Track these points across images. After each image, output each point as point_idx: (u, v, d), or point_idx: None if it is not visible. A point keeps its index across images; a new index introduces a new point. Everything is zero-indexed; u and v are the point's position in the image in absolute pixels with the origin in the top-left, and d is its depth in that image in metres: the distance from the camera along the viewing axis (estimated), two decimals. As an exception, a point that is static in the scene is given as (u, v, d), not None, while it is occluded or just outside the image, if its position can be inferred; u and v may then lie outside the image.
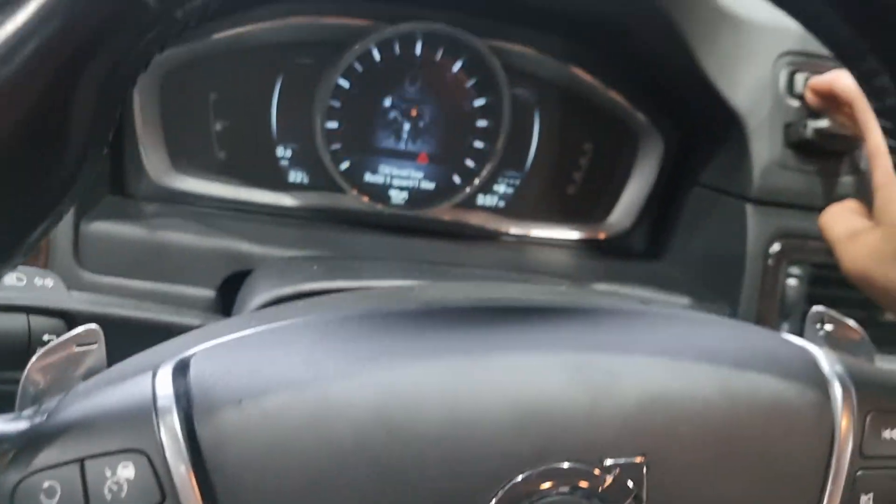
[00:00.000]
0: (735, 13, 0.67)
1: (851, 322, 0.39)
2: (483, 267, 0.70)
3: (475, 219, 0.77)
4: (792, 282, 0.66)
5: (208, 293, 0.62)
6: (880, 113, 0.29)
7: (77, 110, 0.23)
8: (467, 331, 0.29)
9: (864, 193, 0.60)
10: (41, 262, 0.57)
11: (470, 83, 0.74)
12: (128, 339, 0.33)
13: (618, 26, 0.69)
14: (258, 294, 0.44)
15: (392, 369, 0.27)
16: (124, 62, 0.24)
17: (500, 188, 0.79)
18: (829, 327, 0.39)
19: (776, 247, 0.66)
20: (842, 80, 0.58)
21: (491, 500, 0.26)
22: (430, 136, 0.76)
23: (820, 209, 0.60)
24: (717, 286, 0.69)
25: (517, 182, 0.79)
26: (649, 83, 0.74)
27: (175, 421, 0.25)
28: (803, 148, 0.66)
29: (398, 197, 0.76)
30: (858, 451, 0.30)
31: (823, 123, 0.63)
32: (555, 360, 0.28)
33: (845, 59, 0.29)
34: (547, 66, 0.75)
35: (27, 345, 0.39)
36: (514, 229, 0.78)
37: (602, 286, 0.70)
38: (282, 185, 0.75)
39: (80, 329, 0.30)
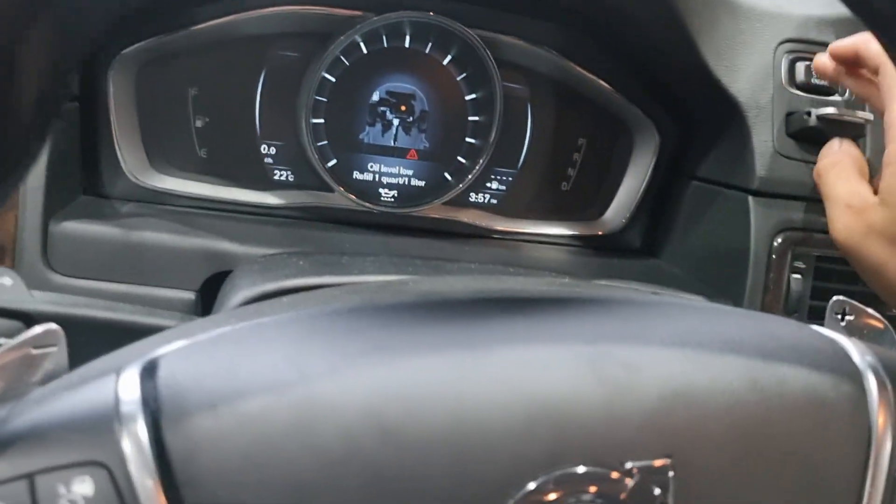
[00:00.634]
0: (734, 0, 0.65)
1: (873, 312, 0.37)
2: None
3: (467, 217, 0.75)
4: (796, 276, 0.64)
5: (188, 295, 0.59)
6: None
7: (25, 77, 0.20)
8: (469, 323, 0.26)
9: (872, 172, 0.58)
10: (6, 264, 0.54)
11: (461, 76, 0.72)
12: (100, 344, 0.30)
13: (614, 13, 0.67)
14: (239, 291, 0.41)
15: (386, 366, 0.24)
16: (74, 27, 0.21)
17: (493, 185, 0.76)
18: (850, 317, 0.37)
19: (780, 240, 0.64)
20: (870, 45, 0.56)
21: (500, 512, 0.23)
22: (420, 131, 0.73)
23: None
24: (719, 282, 0.67)
25: (510, 179, 0.76)
26: (645, 75, 0.72)
27: (140, 429, 0.22)
28: (806, 137, 0.64)
29: (387, 195, 0.73)
30: None
31: (828, 110, 0.61)
32: (567, 353, 0.25)
33: (875, 23, 0.27)
34: (539, 59, 0.72)
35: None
36: (508, 227, 0.76)
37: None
38: (266, 183, 0.72)
39: (37, 329, 0.27)
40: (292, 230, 0.68)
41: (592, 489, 0.23)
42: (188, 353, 0.25)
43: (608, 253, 0.76)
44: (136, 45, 0.64)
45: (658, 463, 0.24)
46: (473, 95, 0.72)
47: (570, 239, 0.77)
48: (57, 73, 0.22)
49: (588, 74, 0.72)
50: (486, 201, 0.76)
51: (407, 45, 0.70)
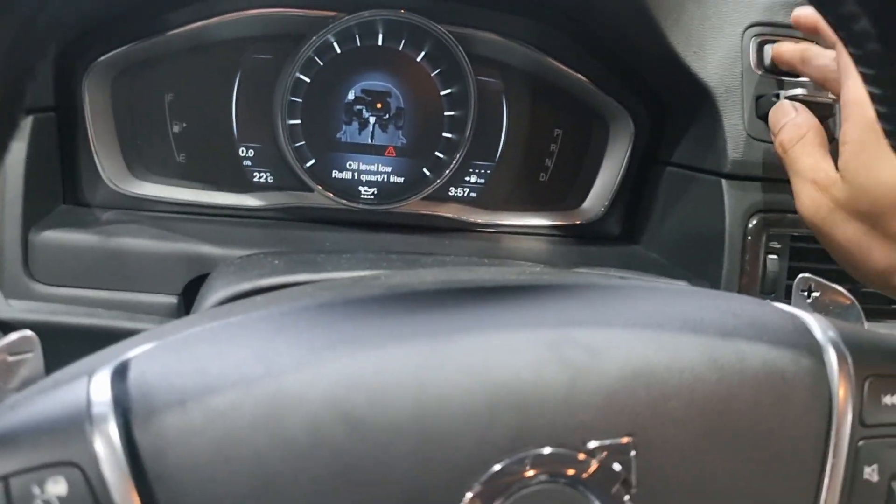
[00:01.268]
0: (700, -14, 0.66)
1: (839, 288, 0.37)
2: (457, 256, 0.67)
3: (447, 211, 0.75)
4: (772, 257, 0.65)
5: (171, 300, 0.59)
6: (859, 60, 0.28)
7: None
8: (431, 313, 0.26)
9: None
10: (-15, 275, 0.54)
11: (435, 72, 0.72)
12: (81, 350, 0.30)
13: (582, 5, 0.67)
14: (215, 292, 0.41)
15: (350, 357, 0.24)
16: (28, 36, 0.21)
17: (472, 178, 0.77)
18: (816, 294, 0.38)
19: (754, 221, 0.64)
20: None
21: (466, 495, 0.23)
22: (397, 128, 0.73)
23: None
24: (697, 266, 0.68)
25: (488, 172, 0.77)
26: (617, 65, 0.73)
27: (112, 429, 0.23)
28: (776, 119, 0.64)
29: (367, 193, 0.74)
30: (858, 419, 0.28)
31: (797, 91, 0.61)
32: (527, 337, 0.26)
33: (822, 3, 0.27)
34: (513, 53, 0.73)
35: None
36: (488, 219, 0.76)
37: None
38: (246, 186, 0.72)
39: (12, 336, 0.27)
40: (273, 231, 0.69)
41: (556, 469, 0.24)
42: (158, 354, 0.26)
43: (588, 241, 0.77)
44: (110, 53, 0.64)
45: (620, 441, 0.25)
46: (448, 91, 0.72)
47: (550, 229, 0.77)
48: (6, 82, 0.22)
49: (562, 66, 0.73)
50: (465, 195, 0.77)
51: (380, 43, 0.70)
